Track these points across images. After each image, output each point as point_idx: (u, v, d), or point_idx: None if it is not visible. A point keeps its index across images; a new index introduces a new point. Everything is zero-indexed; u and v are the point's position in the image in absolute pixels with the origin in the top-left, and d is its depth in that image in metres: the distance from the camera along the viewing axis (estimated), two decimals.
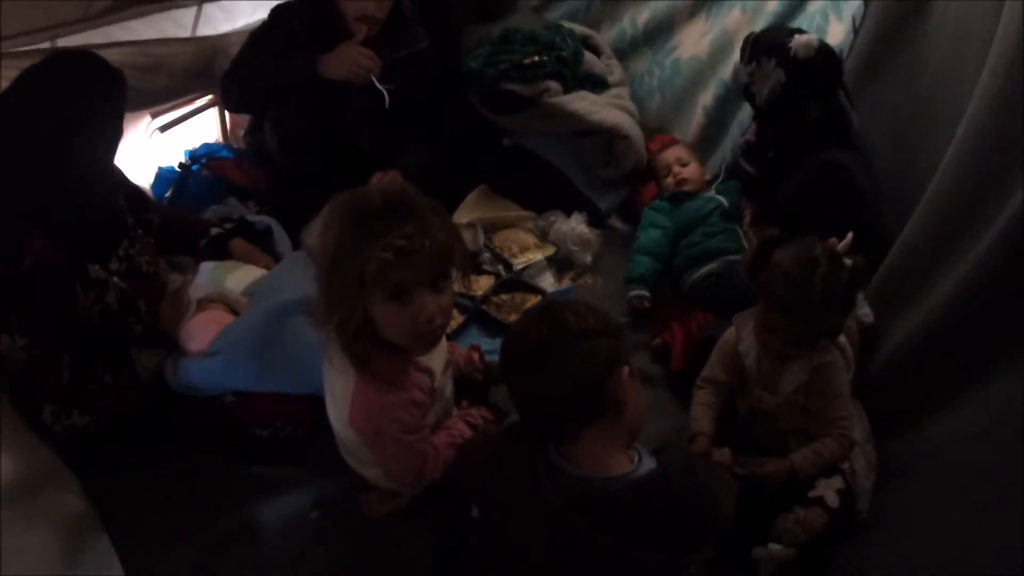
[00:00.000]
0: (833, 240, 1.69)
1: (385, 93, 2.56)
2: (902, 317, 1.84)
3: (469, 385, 1.88)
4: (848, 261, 1.63)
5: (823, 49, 2.21)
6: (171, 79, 2.74)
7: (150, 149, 2.92)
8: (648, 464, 1.33)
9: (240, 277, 2.09)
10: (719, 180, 2.62)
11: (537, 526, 1.30)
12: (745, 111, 2.83)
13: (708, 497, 1.30)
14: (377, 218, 1.34)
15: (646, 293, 2.39)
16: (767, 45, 2.26)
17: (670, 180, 2.70)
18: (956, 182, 1.72)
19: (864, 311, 1.91)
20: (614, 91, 3.08)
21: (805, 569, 1.64)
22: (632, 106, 3.07)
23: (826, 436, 1.72)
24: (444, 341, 1.66)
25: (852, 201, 2.09)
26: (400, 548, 1.61)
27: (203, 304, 2.01)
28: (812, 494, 1.66)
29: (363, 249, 1.32)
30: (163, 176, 2.86)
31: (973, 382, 1.57)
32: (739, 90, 2.76)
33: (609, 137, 2.87)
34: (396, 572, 1.61)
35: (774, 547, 1.62)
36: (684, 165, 2.72)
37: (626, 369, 1.34)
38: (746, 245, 2.33)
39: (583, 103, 2.86)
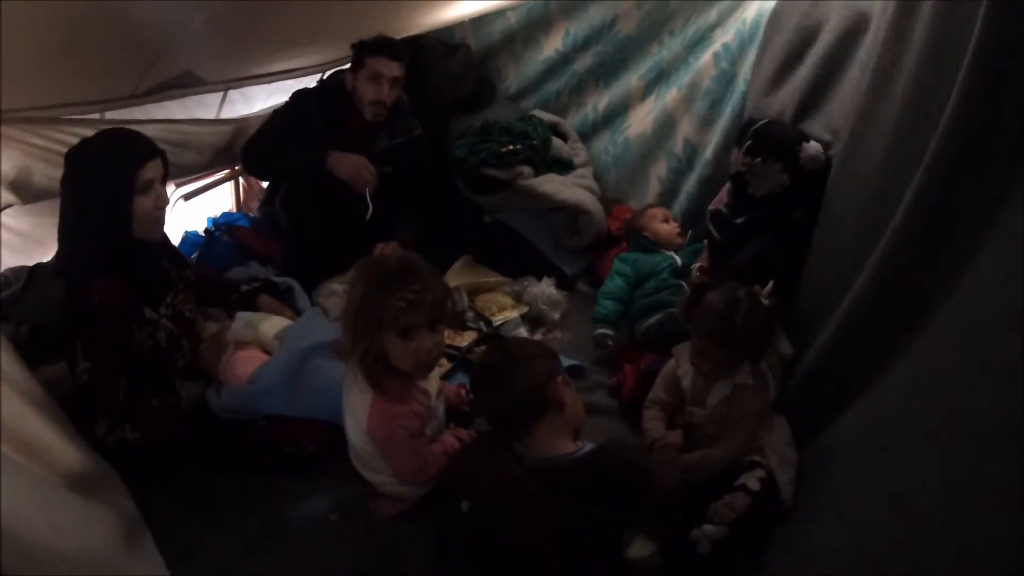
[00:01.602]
0: (757, 287, 2.04)
1: (370, 205, 2.86)
2: (808, 348, 2.10)
3: (458, 414, 2.26)
4: (766, 301, 2.00)
5: (827, 162, 2.31)
6: (198, 154, 3.02)
7: (175, 215, 3.21)
8: (588, 447, 1.78)
9: (271, 325, 2.42)
10: (684, 245, 2.92)
11: (512, 498, 1.73)
12: (692, 181, 3.16)
13: (637, 468, 1.70)
14: (394, 277, 1.79)
15: (610, 331, 2.71)
16: (777, 148, 2.35)
17: (666, 227, 2.97)
18: (830, 251, 2.07)
19: (784, 345, 2.18)
20: (579, 171, 3.43)
21: (737, 548, 1.88)
22: (594, 184, 3.41)
23: (718, 445, 2.03)
24: (437, 373, 2.07)
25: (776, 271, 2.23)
26: (405, 542, 1.95)
27: (240, 345, 2.36)
28: (736, 483, 1.92)
29: (383, 299, 1.77)
30: (189, 239, 3.19)
31: (866, 388, 1.79)
32: (689, 163, 3.11)
33: (574, 212, 3.19)
34: (402, 562, 1.92)
35: (708, 527, 1.87)
36: (664, 221, 3.00)
37: (560, 378, 1.83)
38: None
39: (551, 184, 3.20)
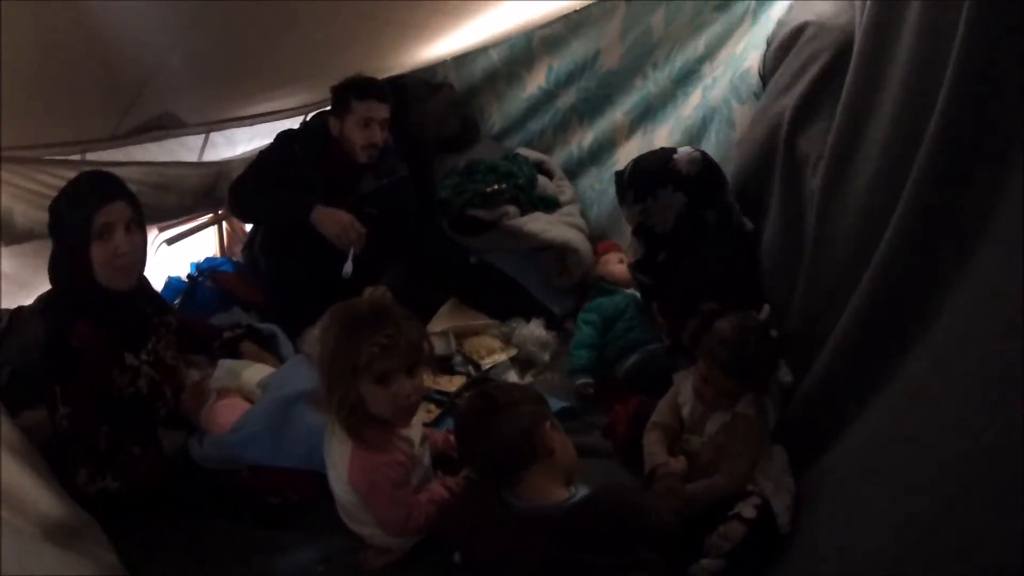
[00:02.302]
0: (752, 313, 2.04)
1: (350, 266, 2.81)
2: (804, 373, 2.04)
3: (447, 462, 2.20)
4: (774, 332, 1.99)
5: (703, 158, 2.37)
6: (180, 197, 3.01)
7: (157, 260, 3.19)
8: (582, 493, 1.72)
9: (253, 372, 2.39)
10: None
11: (502, 549, 1.68)
12: None
13: (632, 512, 1.66)
14: (365, 322, 1.76)
15: (590, 380, 2.68)
16: (656, 176, 2.38)
17: (616, 267, 3.01)
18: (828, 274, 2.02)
19: (784, 372, 2.10)
20: (565, 209, 3.39)
21: None
22: (581, 221, 3.37)
23: (718, 473, 1.98)
24: (420, 420, 2.03)
25: (734, 285, 2.29)
26: None
27: (223, 393, 2.33)
28: (731, 512, 1.87)
29: (356, 345, 1.73)
30: (172, 285, 3.15)
31: (859, 414, 1.74)
32: None
33: (561, 251, 3.16)
34: None
35: (705, 562, 1.83)
36: (620, 262, 3.02)
37: (548, 423, 1.79)
38: (664, 336, 2.61)
39: (537, 223, 3.17)
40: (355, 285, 2.82)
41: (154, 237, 3.22)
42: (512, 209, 3.22)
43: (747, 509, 1.87)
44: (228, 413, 2.23)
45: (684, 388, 2.14)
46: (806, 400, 2.03)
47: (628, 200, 2.44)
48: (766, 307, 2.09)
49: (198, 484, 2.17)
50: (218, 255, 3.59)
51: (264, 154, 2.99)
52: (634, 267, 2.66)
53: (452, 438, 2.21)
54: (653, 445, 2.13)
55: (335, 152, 2.92)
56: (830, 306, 1.94)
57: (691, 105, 3.21)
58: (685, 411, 2.13)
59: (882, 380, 1.68)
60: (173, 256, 3.36)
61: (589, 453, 2.35)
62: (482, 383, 2.71)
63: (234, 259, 3.46)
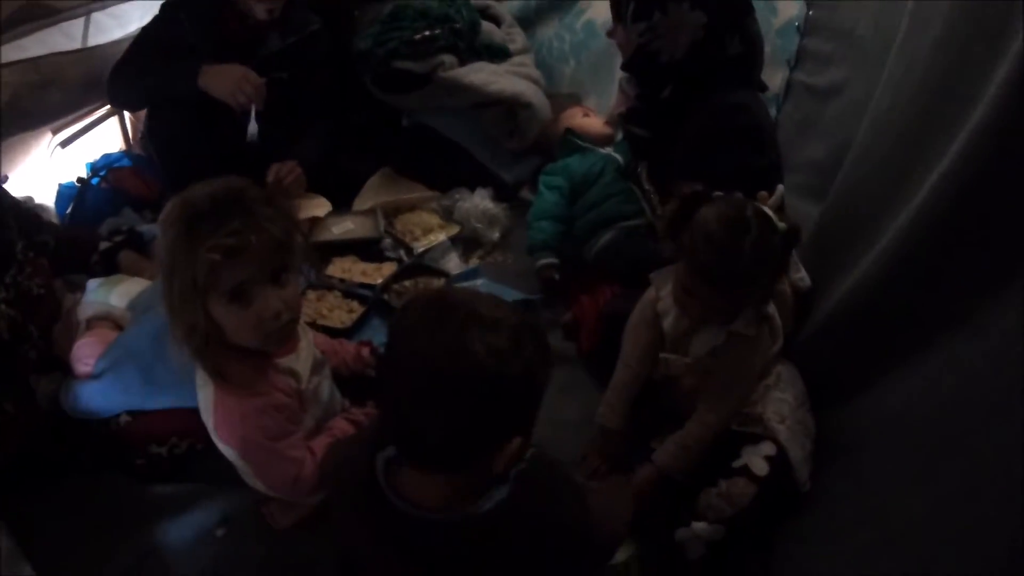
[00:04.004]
0: (763, 194, 1.57)
1: (255, 127, 2.47)
2: (839, 275, 1.67)
3: (363, 383, 1.84)
4: (781, 224, 1.46)
5: None
6: (65, 93, 2.69)
7: (53, 166, 2.86)
8: (498, 495, 1.13)
9: (124, 291, 2.02)
10: (618, 140, 2.54)
11: (378, 559, 1.22)
12: None
13: (567, 526, 1.19)
14: (204, 219, 1.31)
15: (555, 260, 2.29)
16: None
17: (593, 120, 2.62)
18: (900, 126, 1.53)
19: (800, 275, 1.74)
20: (516, 59, 3.00)
21: (739, 547, 1.54)
22: (536, 73, 2.99)
23: (691, 422, 1.62)
24: (310, 339, 1.63)
25: (758, 144, 1.89)
26: (308, 558, 1.59)
27: (92, 323, 1.97)
28: (736, 463, 1.54)
29: (193, 252, 1.30)
30: (63, 192, 2.81)
31: (928, 343, 1.36)
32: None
33: (511, 107, 2.80)
34: None
35: (698, 525, 1.51)
36: (586, 116, 2.65)
37: None
38: (645, 206, 2.22)
39: (480, 74, 2.78)
40: (262, 164, 2.49)
41: (48, 141, 2.88)
42: (448, 59, 2.80)
43: (757, 462, 1.52)
44: (93, 349, 1.87)
45: (664, 293, 1.68)
46: (829, 324, 1.66)
47: (627, 15, 1.95)
48: (780, 188, 1.63)
49: (79, 437, 1.87)
50: (124, 149, 3.17)
51: (145, 29, 2.63)
52: (626, 114, 2.24)
53: (367, 352, 1.86)
54: (612, 392, 1.76)
55: (229, 13, 2.55)
56: (879, 202, 1.53)
57: None
58: (666, 323, 1.67)
59: (966, 316, 1.28)
60: (71, 159, 2.98)
61: None
62: (417, 270, 2.41)
63: (140, 153, 3.08)
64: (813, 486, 1.55)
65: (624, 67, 2.10)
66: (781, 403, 1.62)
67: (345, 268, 2.42)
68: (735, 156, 1.85)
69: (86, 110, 2.95)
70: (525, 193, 2.84)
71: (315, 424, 1.60)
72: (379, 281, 2.34)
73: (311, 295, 2.26)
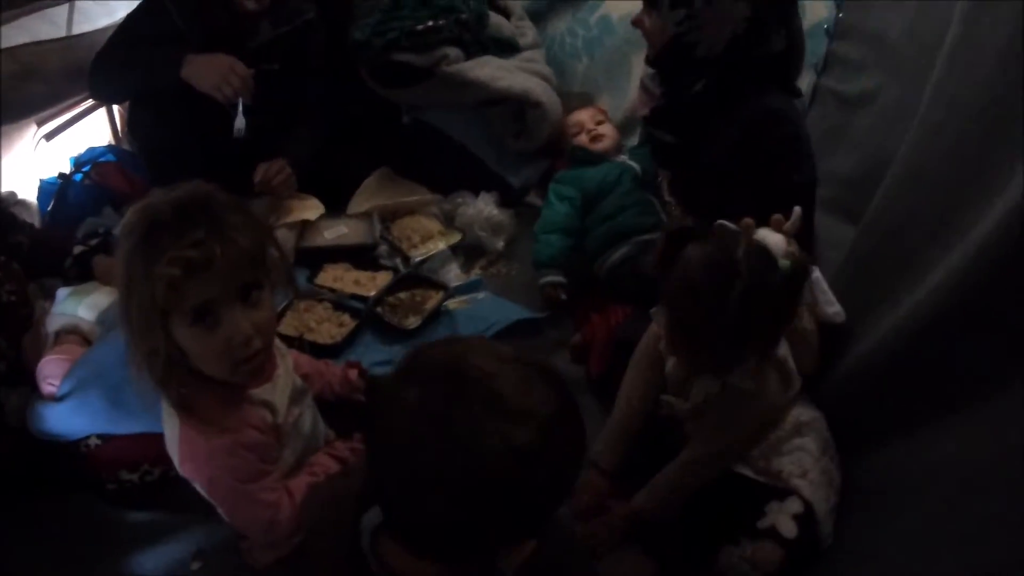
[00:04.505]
0: (777, 218, 1.40)
1: (242, 121, 2.33)
2: (878, 311, 1.51)
3: (350, 410, 1.69)
4: (785, 262, 1.24)
5: None
6: (47, 84, 2.57)
7: (37, 159, 2.75)
8: None
9: (94, 303, 1.90)
10: (633, 146, 2.41)
11: None
12: None
13: None
14: (165, 229, 1.16)
15: (561, 278, 2.16)
16: None
17: (583, 137, 2.43)
18: (956, 146, 1.36)
19: (835, 309, 1.54)
20: (526, 54, 2.87)
21: None
22: (547, 70, 2.86)
23: (676, 464, 1.51)
24: (289, 365, 1.47)
25: (795, 157, 1.75)
26: None
27: (60, 337, 1.86)
28: (762, 524, 1.41)
29: (151, 267, 1.14)
30: (45, 189, 2.67)
31: (973, 395, 1.24)
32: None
33: (519, 105, 2.66)
34: None
35: None
36: (599, 123, 2.48)
37: None
38: (664, 219, 2.08)
39: (486, 69, 2.65)
40: (250, 162, 2.39)
41: (33, 134, 2.76)
42: (453, 52, 2.67)
43: (785, 523, 1.40)
44: (59, 367, 1.77)
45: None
46: (865, 366, 1.50)
47: (663, 1, 1.78)
48: (797, 211, 1.44)
49: (48, 458, 1.77)
50: (112, 143, 3.04)
51: (129, 17, 2.49)
52: (650, 117, 2.07)
53: (355, 375, 1.71)
54: (610, 431, 1.65)
55: (216, 1, 2.39)
56: (928, 231, 1.37)
57: None
58: (668, 364, 1.54)
59: (975, 390, 1.22)
60: (56, 152, 2.85)
61: None
62: (413, 280, 2.28)
63: (125, 147, 2.95)
64: (835, 539, 1.45)
65: (652, 61, 1.94)
66: (802, 454, 1.49)
67: (337, 276, 2.30)
68: (769, 171, 1.72)
69: (71, 101, 2.84)
70: (532, 198, 2.73)
71: (295, 460, 1.45)
72: (372, 293, 2.20)
73: (299, 305, 2.13)
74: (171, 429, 1.32)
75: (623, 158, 2.31)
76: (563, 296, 2.15)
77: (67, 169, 2.72)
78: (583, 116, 2.50)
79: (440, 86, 2.66)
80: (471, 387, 0.86)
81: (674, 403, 1.50)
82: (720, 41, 1.77)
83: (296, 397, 1.44)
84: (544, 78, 2.78)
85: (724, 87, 1.81)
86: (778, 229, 1.36)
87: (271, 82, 2.40)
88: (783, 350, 1.44)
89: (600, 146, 2.37)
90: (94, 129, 3.00)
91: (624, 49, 2.87)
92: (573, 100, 2.81)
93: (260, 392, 1.35)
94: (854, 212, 1.79)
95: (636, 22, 1.91)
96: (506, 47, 2.84)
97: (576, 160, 2.38)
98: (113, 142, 3.03)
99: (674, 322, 1.34)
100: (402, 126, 2.79)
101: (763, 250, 1.26)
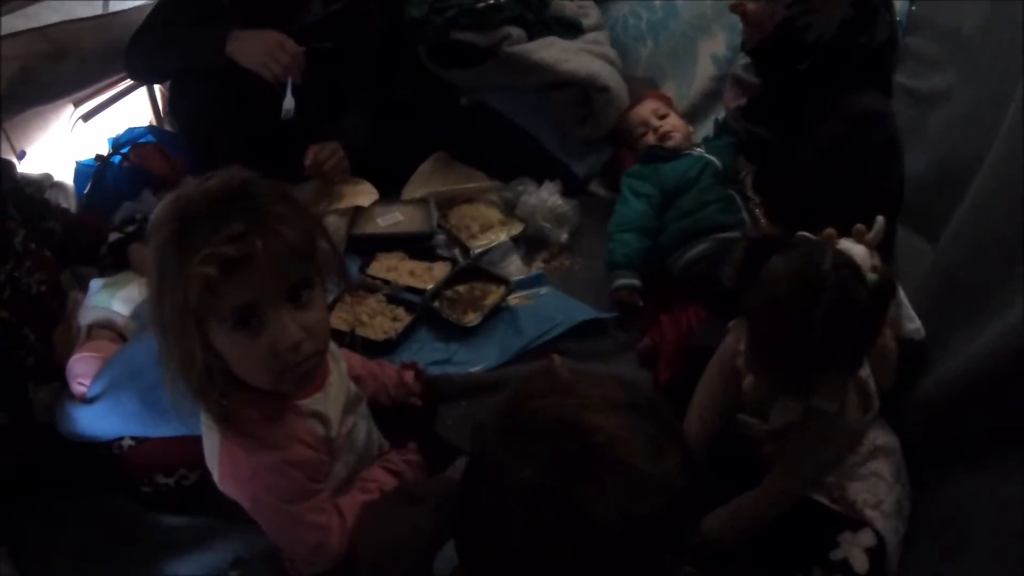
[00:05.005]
0: (860, 228, 1.36)
1: (291, 102, 2.23)
2: (963, 332, 1.44)
3: (406, 415, 1.58)
4: (872, 276, 1.24)
5: None
6: (81, 64, 2.50)
7: (74, 141, 2.69)
8: None
9: (128, 295, 1.81)
10: (709, 138, 2.27)
11: None
12: None
13: None
14: (199, 222, 1.02)
15: (636, 282, 2.01)
16: None
17: (650, 137, 2.31)
18: None
19: (915, 326, 1.51)
20: (590, 36, 2.74)
21: None
22: (612, 53, 2.74)
23: (759, 495, 1.43)
24: (343, 369, 1.32)
25: (887, 163, 1.71)
26: None
27: (92, 331, 1.77)
28: (835, 555, 1.34)
29: (184, 265, 1.00)
30: (82, 171, 2.61)
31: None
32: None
33: (584, 90, 2.55)
34: None
35: None
36: (662, 117, 2.34)
37: None
38: (746, 217, 1.96)
39: (551, 50, 2.53)
40: (299, 145, 2.29)
41: (70, 114, 2.71)
42: (516, 31, 2.56)
43: (858, 556, 1.34)
44: (90, 366, 1.67)
45: (746, 347, 1.47)
46: (947, 391, 1.42)
47: None
48: (879, 221, 1.41)
49: (81, 457, 1.70)
50: (154, 123, 2.99)
51: None
52: (747, 110, 1.99)
53: (412, 377, 1.59)
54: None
55: None
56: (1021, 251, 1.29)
57: None
58: (745, 382, 1.48)
59: None
60: (94, 134, 2.79)
61: None
62: (473, 273, 2.16)
63: (168, 129, 2.90)
64: (900, 570, 1.40)
65: (753, 49, 1.85)
66: (877, 480, 1.42)
67: (391, 266, 2.18)
68: (859, 174, 1.68)
69: (108, 82, 2.80)
70: (595, 187, 2.61)
71: (348, 474, 1.32)
72: (429, 285, 2.08)
73: (349, 297, 2.01)
74: (210, 442, 1.20)
75: (700, 151, 2.18)
76: (640, 303, 2.01)
77: (105, 151, 2.67)
78: (644, 113, 2.38)
79: (501, 67, 2.57)
80: (598, 457, 0.77)
81: (752, 425, 1.46)
82: (831, 26, 1.70)
83: (350, 405, 1.31)
84: (610, 61, 2.66)
85: (827, 78, 1.75)
86: (860, 240, 1.34)
87: (323, 61, 2.32)
88: (865, 370, 1.40)
89: (672, 144, 2.25)
90: (134, 109, 2.95)
91: (690, 34, 2.76)
92: (636, 85, 2.71)
93: (310, 402, 1.21)
94: (925, 217, 1.74)
95: (737, 7, 1.82)
96: (569, 27, 2.73)
97: (650, 156, 2.26)
98: (154, 123, 2.98)
99: (755, 338, 1.31)
100: (460, 108, 2.70)
101: (850, 263, 1.23)
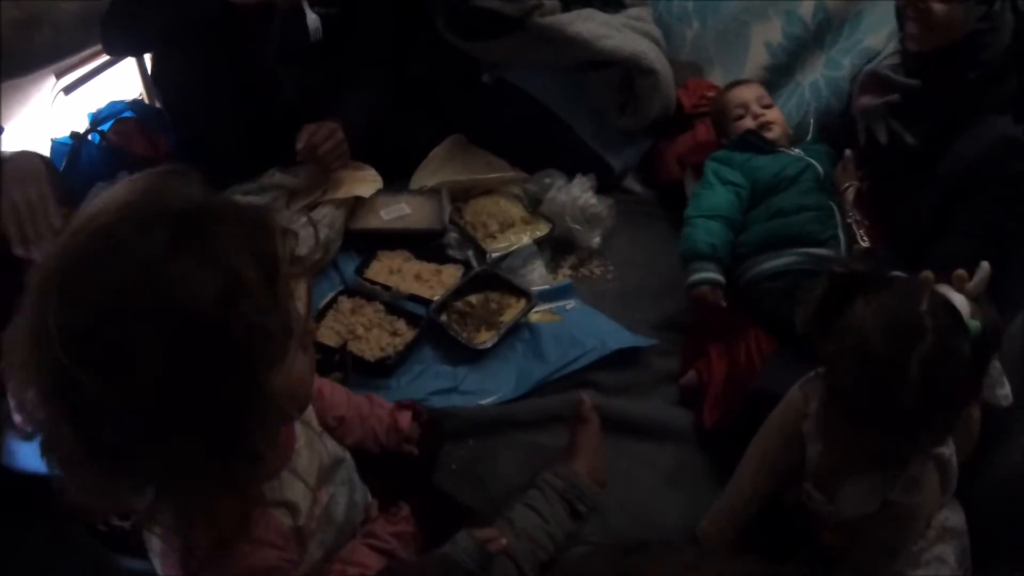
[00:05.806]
0: (961, 273, 1.23)
1: (315, 20, 2.10)
2: None
3: (398, 466, 1.36)
4: (974, 323, 1.12)
5: None
6: (56, 33, 2.41)
7: (55, 115, 2.58)
8: None
9: None
10: (806, 141, 2.14)
11: None
12: (818, 61, 2.45)
13: None
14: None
15: (720, 277, 1.83)
16: None
17: (748, 121, 2.13)
18: None
19: (1004, 391, 1.37)
20: (632, 11, 2.57)
21: None
22: (657, 32, 2.57)
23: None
24: (314, 426, 1.09)
25: (1017, 199, 1.63)
26: None
27: None
28: None
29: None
30: (57, 150, 2.48)
31: None
32: (819, 35, 2.44)
33: (626, 72, 2.38)
34: None
35: None
36: (766, 107, 2.18)
37: None
38: (840, 235, 1.83)
39: (590, 24, 2.34)
40: (295, 124, 2.13)
41: (52, 86, 2.62)
42: (550, 1, 2.39)
43: None
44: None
45: (814, 409, 1.39)
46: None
47: None
48: (984, 267, 1.31)
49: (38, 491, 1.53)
50: (144, 96, 2.86)
51: None
52: (897, 111, 1.88)
53: (407, 421, 1.38)
54: (719, 517, 1.53)
55: None
56: None
57: None
58: (811, 449, 1.40)
59: None
60: (77, 107, 2.69)
61: (658, 430, 1.69)
62: (489, 281, 1.95)
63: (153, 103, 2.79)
64: None
65: (936, 50, 1.76)
66: (941, 566, 1.37)
67: (393, 268, 2.01)
68: (987, 207, 1.63)
69: (88, 53, 2.68)
70: (630, 182, 2.47)
71: (324, 553, 1.09)
72: (436, 294, 1.89)
73: (345, 304, 1.87)
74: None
75: (798, 151, 2.04)
76: (722, 301, 1.84)
77: (84, 127, 2.55)
78: (747, 95, 2.20)
79: (531, 41, 2.39)
80: None
81: (818, 500, 1.38)
82: (999, 48, 1.72)
83: (326, 474, 1.08)
84: (655, 41, 2.49)
85: (987, 94, 1.73)
86: (959, 288, 1.22)
87: (328, 30, 2.19)
88: (948, 448, 1.32)
89: (770, 135, 2.09)
90: (122, 81, 2.82)
91: (743, 18, 2.63)
92: (677, 70, 2.58)
93: (275, 487, 0.97)
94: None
95: (917, 4, 1.77)
96: (610, 0, 2.56)
97: (744, 144, 2.11)
98: (145, 96, 2.85)
99: (833, 396, 1.23)
100: (482, 86, 2.54)
101: (950, 306, 1.14)
